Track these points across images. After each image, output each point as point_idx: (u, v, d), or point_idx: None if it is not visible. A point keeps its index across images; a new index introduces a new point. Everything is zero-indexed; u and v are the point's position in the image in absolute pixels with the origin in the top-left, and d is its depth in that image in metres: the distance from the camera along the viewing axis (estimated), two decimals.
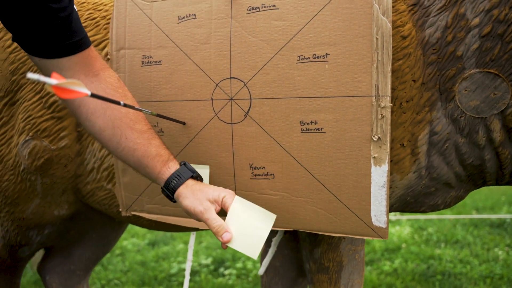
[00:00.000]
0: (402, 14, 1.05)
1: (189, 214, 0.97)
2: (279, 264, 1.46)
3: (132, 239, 3.98)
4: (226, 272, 3.06)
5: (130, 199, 1.29)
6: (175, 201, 1.00)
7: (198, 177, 1.02)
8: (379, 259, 3.10)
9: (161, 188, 1.00)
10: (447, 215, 4.07)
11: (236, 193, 1.14)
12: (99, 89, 0.97)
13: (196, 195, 0.96)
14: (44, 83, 0.58)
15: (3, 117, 1.37)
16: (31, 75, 0.56)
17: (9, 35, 1.35)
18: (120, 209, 1.31)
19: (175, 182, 0.97)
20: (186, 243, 3.88)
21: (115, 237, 1.68)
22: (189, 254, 1.47)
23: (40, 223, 1.44)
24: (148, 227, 1.41)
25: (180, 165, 1.01)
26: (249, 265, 3.14)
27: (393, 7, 1.06)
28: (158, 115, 1.05)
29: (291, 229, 1.12)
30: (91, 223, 1.59)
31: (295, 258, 1.45)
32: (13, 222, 1.43)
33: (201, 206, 0.95)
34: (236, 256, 3.37)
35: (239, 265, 3.15)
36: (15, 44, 1.34)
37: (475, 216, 3.89)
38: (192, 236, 1.48)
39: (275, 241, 1.42)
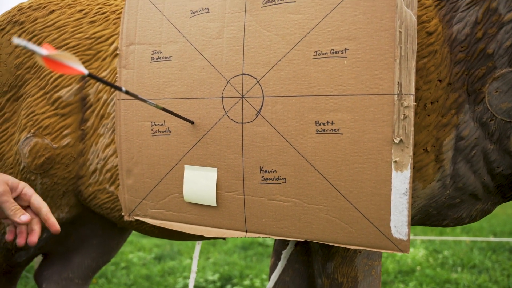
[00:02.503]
0: (428, 9, 0.98)
1: None
2: (289, 279, 1.37)
3: (139, 253, 3.90)
4: None
5: (134, 202, 1.22)
6: None
7: None
8: (392, 281, 2.97)
9: None
10: (464, 237, 3.92)
11: (245, 198, 1.07)
12: None
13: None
14: (32, 52, 0.51)
15: (6, 112, 1.32)
16: (17, 40, 0.50)
17: (16, 28, 1.31)
18: (123, 213, 1.24)
19: None
20: (192, 258, 3.78)
21: (117, 245, 1.60)
22: (193, 265, 1.39)
23: None
24: (151, 233, 1.33)
25: None
26: (257, 282, 3.03)
27: (418, 1, 0.99)
28: (164, 109, 0.98)
29: (303, 240, 1.03)
30: (92, 229, 1.51)
31: (306, 272, 1.35)
32: (10, 224, 1.36)
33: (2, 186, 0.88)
34: (244, 273, 3.26)
35: (246, 282, 3.04)
36: (22, 38, 1.30)
37: (493, 239, 3.74)
38: (197, 246, 1.40)
39: (285, 254, 1.33)
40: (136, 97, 0.86)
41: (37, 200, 0.93)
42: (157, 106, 0.94)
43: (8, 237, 0.96)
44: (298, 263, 1.35)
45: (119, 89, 0.76)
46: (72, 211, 1.38)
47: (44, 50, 0.54)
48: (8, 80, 1.31)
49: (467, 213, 1.12)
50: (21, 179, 1.31)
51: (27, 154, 1.27)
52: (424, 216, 1.14)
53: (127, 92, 0.80)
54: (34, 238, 0.93)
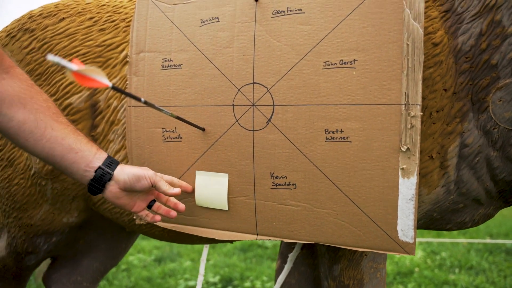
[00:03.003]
0: (434, 21, 1.01)
1: (137, 179, 1.01)
2: (294, 282, 1.40)
3: (138, 255, 3.92)
4: None
5: None
6: (110, 176, 0.99)
7: None
8: (391, 283, 3.01)
9: (99, 167, 0.98)
10: (461, 239, 3.97)
11: (256, 203, 1.10)
12: (14, 85, 0.94)
13: (140, 167, 1.05)
14: (64, 68, 0.54)
15: None
16: (51, 57, 0.52)
17: (26, 35, 1.33)
18: (134, 217, 1.27)
19: (114, 159, 1.02)
20: (193, 260, 3.81)
21: (125, 249, 1.63)
22: (201, 268, 1.41)
23: (48, 230, 1.39)
24: (160, 237, 1.36)
25: None
26: (258, 284, 3.06)
27: (424, 13, 1.02)
28: (178, 118, 1.01)
29: (313, 242, 1.06)
30: (101, 233, 1.54)
31: (312, 275, 1.38)
32: (21, 229, 1.39)
33: (150, 170, 1.04)
34: (244, 275, 3.29)
35: (247, 284, 3.07)
36: (32, 45, 1.32)
37: (490, 241, 3.79)
38: (205, 249, 1.43)
39: (291, 257, 1.36)
40: (153, 106, 0.89)
41: (167, 177, 1.11)
42: (171, 115, 0.97)
43: (155, 218, 1.10)
44: (304, 266, 1.38)
45: (138, 99, 0.79)
46: (81, 215, 1.40)
47: (74, 66, 0.56)
48: None
49: (470, 217, 1.16)
50: (31, 185, 1.33)
51: (38, 160, 1.29)
52: (428, 220, 1.17)
53: (145, 103, 0.82)
54: (181, 206, 1.11)
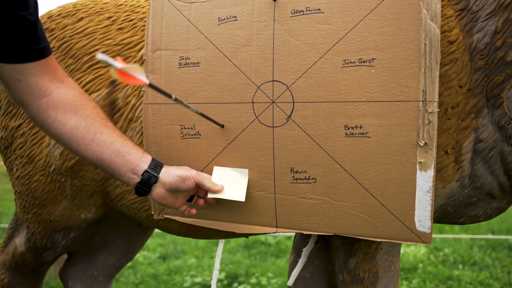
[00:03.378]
0: (450, 19, 1.04)
1: (182, 180, 1.06)
2: (309, 275, 1.42)
3: (143, 252, 3.94)
4: (240, 287, 3.01)
5: None
6: (156, 179, 1.04)
7: None
8: None
9: (146, 170, 1.03)
10: (463, 235, 4.00)
11: (276, 197, 1.13)
12: (67, 93, 1.01)
13: (181, 167, 1.10)
14: (110, 66, 0.57)
15: None
16: (100, 56, 0.55)
17: (47, 35, 1.35)
18: (152, 212, 1.29)
19: (158, 162, 1.07)
20: (197, 257, 3.84)
21: (140, 244, 1.65)
22: (216, 263, 1.44)
23: (66, 226, 1.42)
24: (177, 232, 1.38)
25: None
26: (263, 280, 3.09)
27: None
28: (202, 115, 1.03)
29: (332, 234, 1.09)
30: (117, 228, 1.56)
31: (326, 269, 1.41)
32: (40, 224, 1.41)
33: (193, 170, 1.09)
34: (250, 271, 3.32)
35: (253, 280, 3.10)
36: (52, 44, 1.34)
37: (492, 236, 3.83)
38: (221, 244, 1.45)
39: (305, 251, 1.39)
40: (183, 104, 0.91)
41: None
42: (197, 112, 0.99)
43: (191, 211, 1.15)
44: (318, 260, 1.41)
45: (169, 96, 0.82)
46: (98, 211, 1.43)
47: (119, 64, 0.59)
48: None
49: (483, 211, 1.19)
50: (51, 181, 1.36)
51: (58, 156, 1.32)
52: (442, 214, 1.20)
53: (176, 100, 0.85)
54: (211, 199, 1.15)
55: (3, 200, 7.62)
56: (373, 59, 1.01)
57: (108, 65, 0.58)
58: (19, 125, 1.39)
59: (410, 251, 3.65)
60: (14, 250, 1.50)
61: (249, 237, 4.43)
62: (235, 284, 3.08)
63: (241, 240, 4.25)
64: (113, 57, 1.25)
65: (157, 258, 3.82)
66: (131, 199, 1.34)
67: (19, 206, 1.46)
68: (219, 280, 3.16)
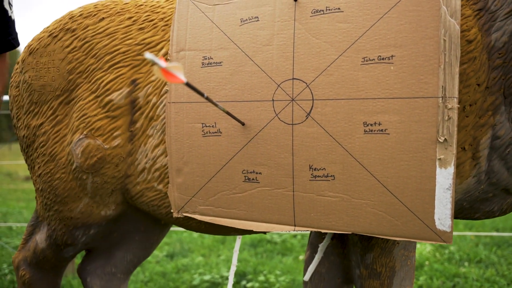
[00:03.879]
0: (468, 19, 1.07)
1: None
2: (324, 271, 1.45)
3: None
4: (248, 285, 3.03)
5: (183, 200, 1.30)
6: None
7: None
8: None
9: None
10: (468, 232, 4.02)
11: (294, 195, 1.15)
12: None
13: None
14: (152, 63, 0.59)
15: (58, 115, 1.39)
16: (148, 55, 0.58)
17: (68, 35, 1.38)
18: (172, 210, 1.32)
19: None
20: (204, 256, 3.87)
21: (157, 241, 1.68)
22: (234, 259, 1.47)
23: (86, 223, 1.44)
24: (197, 229, 1.41)
25: None
26: (272, 278, 3.11)
27: None
28: (228, 113, 1.06)
29: (350, 232, 1.11)
30: (135, 225, 1.59)
31: (342, 264, 1.44)
32: (61, 221, 1.44)
33: None
34: (257, 269, 3.34)
35: (261, 278, 3.12)
36: (74, 44, 1.37)
37: (497, 234, 3.84)
38: (238, 240, 1.48)
39: (321, 247, 1.41)
40: (212, 102, 0.94)
41: None
42: (223, 110, 1.02)
43: None
44: (333, 256, 1.44)
45: (202, 94, 0.84)
46: (118, 208, 1.46)
47: (163, 63, 0.62)
48: (60, 84, 1.38)
49: (498, 206, 1.21)
50: (72, 179, 1.39)
51: (80, 154, 1.34)
52: (458, 209, 1.22)
53: (207, 98, 0.88)
54: None
55: (7, 200, 7.66)
56: (392, 56, 1.03)
57: (153, 63, 0.60)
58: (41, 123, 1.41)
59: (416, 248, 3.67)
60: (35, 247, 1.53)
61: (255, 236, 4.45)
62: (244, 282, 3.11)
63: (247, 238, 4.28)
64: (134, 56, 1.29)
65: (164, 257, 3.85)
66: (151, 197, 1.37)
67: (40, 204, 1.48)
68: (227, 278, 3.18)
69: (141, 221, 1.58)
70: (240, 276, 3.24)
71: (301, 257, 3.66)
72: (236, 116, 1.18)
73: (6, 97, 3.22)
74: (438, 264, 3.29)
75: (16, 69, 1.50)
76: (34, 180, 1.48)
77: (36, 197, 1.51)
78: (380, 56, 1.04)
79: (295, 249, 3.93)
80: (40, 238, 1.51)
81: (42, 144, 1.41)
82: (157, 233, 1.65)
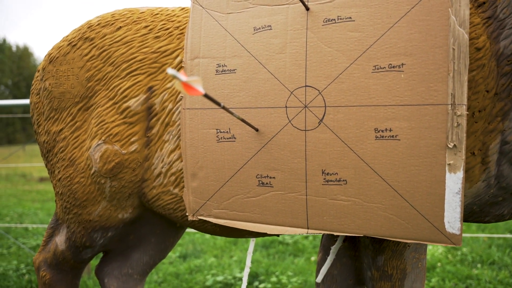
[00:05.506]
0: (477, 27, 1.09)
1: None
2: (336, 272, 1.48)
3: None
4: (261, 286, 3.07)
5: (198, 203, 1.33)
6: None
7: None
8: None
9: None
10: (481, 234, 4.02)
11: (307, 198, 1.18)
12: None
13: None
14: (173, 77, 0.63)
15: (77, 121, 1.44)
16: (170, 71, 0.61)
17: (87, 44, 1.43)
18: (187, 214, 1.36)
19: None
20: (216, 256, 3.91)
21: (172, 243, 1.72)
22: (247, 260, 1.50)
23: (104, 226, 1.49)
24: (212, 232, 1.44)
25: None
26: (284, 279, 3.14)
27: None
28: (242, 120, 1.10)
29: (362, 235, 1.14)
30: (151, 228, 1.63)
31: (353, 266, 1.46)
32: (80, 224, 1.49)
33: None
34: (269, 270, 3.37)
35: (273, 279, 3.15)
36: (92, 53, 1.41)
37: (511, 235, 3.83)
38: (252, 242, 1.51)
39: (334, 249, 1.44)
40: (228, 110, 0.97)
41: None
42: (238, 117, 1.06)
43: None
44: (345, 258, 1.46)
45: (218, 104, 0.88)
46: (135, 211, 1.50)
47: (183, 77, 0.65)
48: (79, 91, 1.43)
49: (508, 210, 1.23)
50: (91, 183, 1.43)
51: (98, 159, 1.39)
52: (468, 213, 1.25)
53: (224, 107, 0.91)
54: None
55: (22, 201, 7.77)
56: (402, 64, 1.06)
57: (174, 78, 0.64)
58: (61, 129, 1.46)
59: (428, 250, 3.67)
60: (55, 249, 1.58)
61: (267, 237, 4.49)
62: (256, 283, 3.14)
63: (260, 239, 4.31)
64: (150, 64, 1.33)
65: (177, 258, 3.90)
66: (167, 200, 1.41)
67: (60, 207, 1.53)
68: (240, 279, 3.22)
69: (157, 224, 1.62)
70: (252, 277, 3.27)
71: (313, 258, 3.68)
72: (250, 122, 1.22)
73: (20, 101, 3.29)
74: (450, 265, 3.30)
75: (37, 76, 1.55)
76: (54, 184, 1.52)
77: (56, 200, 1.56)
78: (390, 64, 1.07)
79: (307, 250, 3.96)
80: (60, 240, 1.56)
81: (61, 149, 1.46)
82: (172, 235, 1.70)
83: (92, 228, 1.49)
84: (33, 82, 1.58)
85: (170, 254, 3.98)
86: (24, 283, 3.21)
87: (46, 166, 1.56)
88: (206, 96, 0.76)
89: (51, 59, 1.49)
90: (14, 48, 57.00)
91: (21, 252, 4.11)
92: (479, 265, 3.30)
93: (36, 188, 9.63)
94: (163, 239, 1.68)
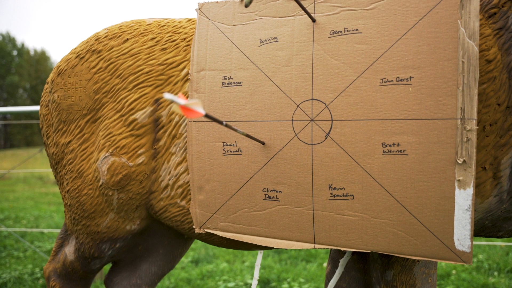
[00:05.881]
0: (487, 38, 1.06)
1: None
2: (345, 286, 1.45)
3: None
4: None
5: (205, 216, 1.33)
6: None
7: None
8: None
9: None
10: (498, 242, 3.94)
11: (314, 213, 1.16)
12: None
13: None
14: (171, 101, 0.62)
15: (85, 133, 1.44)
16: (167, 96, 0.60)
17: (94, 56, 1.43)
18: (194, 226, 1.35)
19: None
20: (228, 262, 3.90)
21: (181, 253, 1.71)
22: (255, 273, 1.48)
23: (113, 237, 1.49)
24: (219, 244, 1.44)
25: None
26: (295, 285, 3.12)
27: None
28: (247, 135, 1.08)
29: (369, 251, 1.12)
30: (159, 239, 1.63)
31: (362, 279, 1.44)
32: (88, 235, 1.49)
33: None
34: (281, 276, 3.35)
35: (285, 285, 3.13)
36: (99, 65, 1.42)
37: None
38: (259, 254, 1.50)
39: (342, 261, 1.42)
40: (231, 128, 0.96)
41: None
42: (243, 133, 1.04)
43: None
44: (354, 271, 1.44)
45: (221, 122, 0.87)
46: (142, 223, 1.50)
47: (182, 100, 0.64)
48: (87, 104, 1.43)
49: None
50: (99, 195, 1.43)
51: (106, 171, 1.39)
52: (479, 228, 1.21)
53: (226, 125, 0.90)
54: None
55: (39, 203, 7.88)
56: (410, 77, 1.04)
57: (171, 102, 0.63)
58: (69, 141, 1.47)
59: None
60: (64, 259, 1.58)
61: None
62: None
63: None
64: (157, 76, 1.33)
65: (189, 263, 3.90)
66: (174, 212, 1.40)
67: (68, 218, 1.54)
68: (251, 286, 3.21)
69: (165, 235, 1.62)
70: (263, 283, 3.26)
71: (325, 264, 3.65)
72: (256, 135, 1.20)
73: (39, 107, 3.33)
74: (465, 273, 3.24)
75: (46, 88, 1.56)
76: (63, 196, 1.53)
77: (65, 212, 1.57)
78: (398, 77, 1.05)
79: (319, 256, 3.93)
80: (69, 250, 1.57)
81: (70, 161, 1.47)
82: (180, 246, 1.69)
83: (101, 239, 1.49)
84: (42, 94, 1.59)
85: (182, 259, 3.99)
86: (39, 287, 3.24)
87: (55, 177, 1.57)
88: (207, 116, 0.75)
89: (59, 71, 1.50)
90: (32, 52, 58.06)
91: (36, 255, 4.16)
92: (496, 273, 3.23)
93: (53, 191, 9.76)
94: (171, 250, 1.67)
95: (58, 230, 5.16)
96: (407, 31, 1.04)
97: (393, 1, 1.07)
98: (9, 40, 57.23)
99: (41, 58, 57.99)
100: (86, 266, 1.56)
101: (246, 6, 0.91)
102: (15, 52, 57.26)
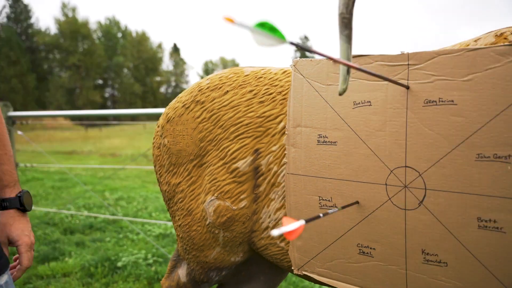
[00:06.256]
0: None
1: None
2: None
3: None
4: None
5: (302, 260, 1.43)
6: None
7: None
8: None
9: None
10: None
11: (407, 273, 1.21)
12: None
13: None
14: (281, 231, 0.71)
15: (192, 176, 1.60)
16: (275, 232, 0.70)
17: (198, 107, 1.57)
18: (292, 268, 1.46)
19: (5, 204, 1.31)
20: None
21: (280, 280, 1.85)
22: None
23: (219, 267, 1.66)
24: (317, 283, 1.54)
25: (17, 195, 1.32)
26: None
27: None
28: (342, 208, 1.15)
29: None
30: (260, 268, 1.77)
31: None
32: (198, 264, 1.67)
33: (26, 240, 1.30)
34: None
35: None
36: (203, 115, 1.55)
37: None
38: None
39: None
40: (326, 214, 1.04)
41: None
42: (339, 209, 1.11)
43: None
44: None
45: (318, 217, 0.95)
46: (245, 255, 1.64)
47: (286, 228, 0.74)
48: (193, 150, 1.58)
49: None
50: (206, 231, 1.60)
51: (212, 213, 1.54)
52: None
53: (324, 215, 0.98)
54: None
55: (146, 183, 8.52)
56: (509, 156, 1.02)
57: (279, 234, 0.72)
58: (179, 182, 1.64)
59: None
60: (178, 279, 1.79)
61: None
62: None
63: None
64: (255, 128, 1.43)
65: None
66: (274, 251, 1.52)
67: (181, 247, 1.73)
68: None
69: (265, 264, 1.76)
70: None
71: None
72: (350, 194, 1.26)
73: (147, 110, 3.62)
74: None
75: (157, 132, 1.74)
76: (175, 228, 1.72)
77: (177, 239, 1.76)
78: (496, 154, 1.04)
79: None
80: (182, 273, 1.77)
81: (180, 200, 1.64)
82: (279, 274, 1.82)
83: (209, 268, 1.67)
84: (154, 136, 1.78)
85: None
86: (152, 273, 3.62)
87: (168, 211, 1.76)
88: (307, 222, 0.84)
89: (168, 118, 1.66)
90: (134, 34, 62.01)
91: (147, 239, 4.60)
92: None
93: None
94: (271, 278, 1.81)
95: (165, 214, 5.62)
96: (507, 107, 1.02)
97: (492, 74, 1.05)
98: (114, 23, 61.61)
99: (142, 39, 61.97)
100: (196, 287, 1.75)
101: (340, 94, 0.96)
102: (119, 35, 61.70)
